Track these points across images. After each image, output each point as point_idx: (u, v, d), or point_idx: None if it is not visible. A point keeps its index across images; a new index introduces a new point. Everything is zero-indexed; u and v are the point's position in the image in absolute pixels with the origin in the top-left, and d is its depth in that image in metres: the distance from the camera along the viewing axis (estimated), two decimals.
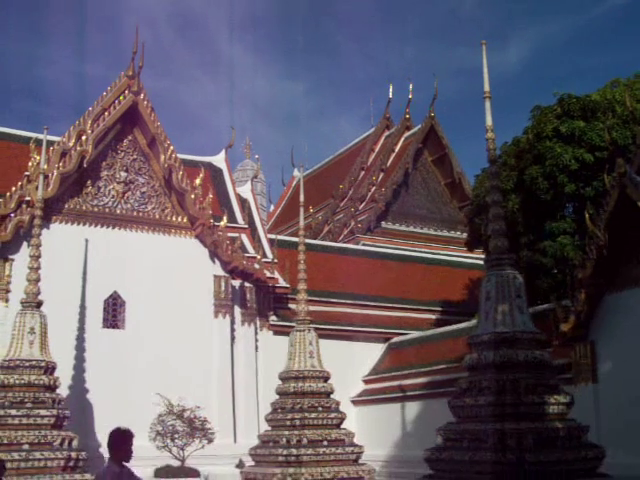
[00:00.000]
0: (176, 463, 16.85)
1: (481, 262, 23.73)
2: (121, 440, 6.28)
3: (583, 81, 64.15)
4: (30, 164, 18.97)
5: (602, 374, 14.83)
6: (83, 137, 19.79)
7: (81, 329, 19.01)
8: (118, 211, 20.69)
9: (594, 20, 71.73)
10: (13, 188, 18.85)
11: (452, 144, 35.48)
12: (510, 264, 9.95)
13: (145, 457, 17.06)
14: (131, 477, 6.35)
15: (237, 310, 21.75)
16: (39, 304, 15.07)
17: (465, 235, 27.11)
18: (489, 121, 10.45)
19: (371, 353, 24.30)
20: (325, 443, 14.98)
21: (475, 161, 70.10)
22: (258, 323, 22.28)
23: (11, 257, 18.67)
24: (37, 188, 16.68)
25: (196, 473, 16.71)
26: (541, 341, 9.74)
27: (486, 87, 10.53)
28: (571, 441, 8.90)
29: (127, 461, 6.26)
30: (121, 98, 20.71)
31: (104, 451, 17.77)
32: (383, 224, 33.09)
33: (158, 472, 16.64)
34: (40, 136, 17.80)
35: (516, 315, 9.58)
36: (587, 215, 15.04)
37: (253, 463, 15.99)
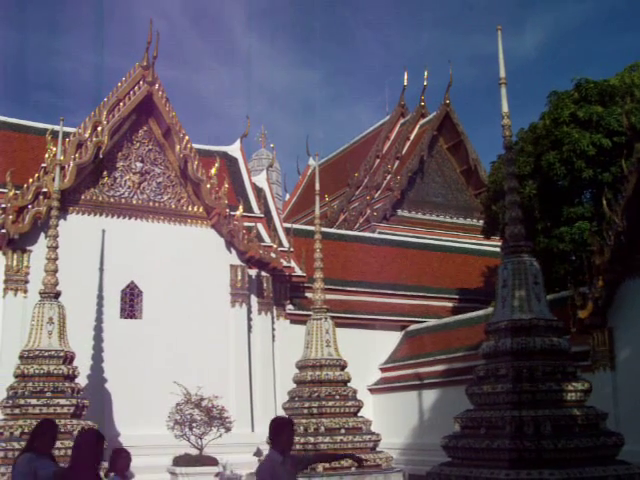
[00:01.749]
0: (194, 452, 16.94)
1: (497, 249, 23.63)
2: (282, 429, 6.18)
3: (601, 66, 63.48)
4: (47, 156, 19.06)
5: (620, 361, 14.75)
6: (99, 128, 19.85)
7: (99, 319, 19.13)
8: (134, 201, 20.76)
9: (612, 3, 70.93)
10: (30, 180, 18.96)
11: (467, 131, 35.31)
12: (527, 251, 9.89)
13: (164, 446, 17.27)
14: (295, 465, 6.22)
15: (254, 299, 21.80)
16: (57, 295, 15.20)
17: (481, 222, 26.99)
18: (505, 107, 10.38)
19: (388, 341, 24.29)
20: (342, 431, 15.03)
21: (491, 148, 69.80)
22: (275, 312, 22.32)
23: (29, 248, 18.80)
24: (54, 179, 16.77)
25: (214, 461, 16.81)
26: (559, 328, 9.69)
27: (502, 73, 10.45)
28: (589, 428, 8.86)
29: (289, 450, 6.14)
30: (136, 89, 20.74)
31: (123, 440, 17.96)
32: (399, 212, 33.00)
33: (177, 461, 16.74)
34: (56, 128, 17.88)
35: (533, 302, 9.53)
36: (605, 201, 14.91)
37: None
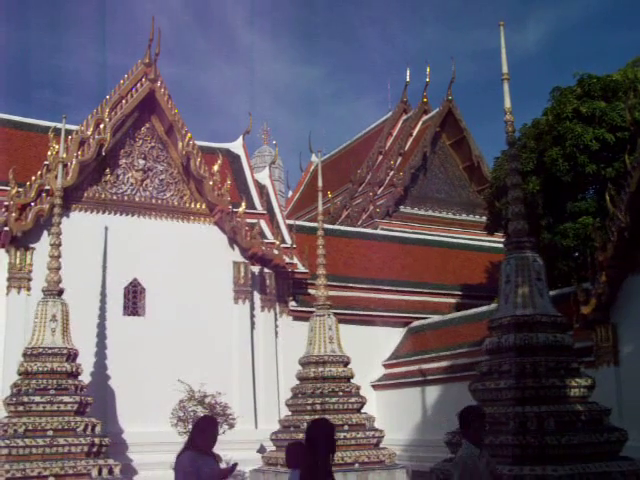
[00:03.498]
0: None
1: (501, 245, 23.58)
2: (477, 419, 5.93)
3: (603, 61, 63.35)
4: (49, 153, 19.05)
5: (624, 357, 14.73)
6: (101, 125, 19.85)
7: (102, 317, 19.14)
8: (137, 199, 20.76)
9: None
10: (33, 177, 18.96)
11: (470, 127, 35.23)
12: (530, 247, 9.89)
13: (167, 442, 17.23)
14: (490, 458, 5.95)
15: (256, 296, 21.80)
16: (60, 292, 15.22)
17: (484, 218, 26.95)
18: (508, 103, 10.37)
19: (391, 337, 24.28)
20: (346, 427, 15.04)
21: (495, 143, 69.61)
22: (278, 309, 22.32)
23: (32, 246, 18.81)
24: (56, 177, 16.79)
25: (218, 458, 16.78)
26: (562, 324, 9.69)
27: (504, 69, 10.44)
28: (593, 424, 8.86)
29: (482, 441, 5.88)
30: (138, 86, 20.73)
31: (126, 436, 18.00)
32: (402, 208, 32.95)
33: None
34: (59, 125, 17.88)
35: (536, 298, 9.53)
36: (608, 196, 14.88)
37: (274, 448, 16.09)
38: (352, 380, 16.11)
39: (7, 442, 13.42)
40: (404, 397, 21.84)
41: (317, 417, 5.67)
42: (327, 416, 14.92)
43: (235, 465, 6.87)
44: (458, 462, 5.80)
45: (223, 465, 6.65)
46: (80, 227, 19.27)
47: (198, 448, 6.19)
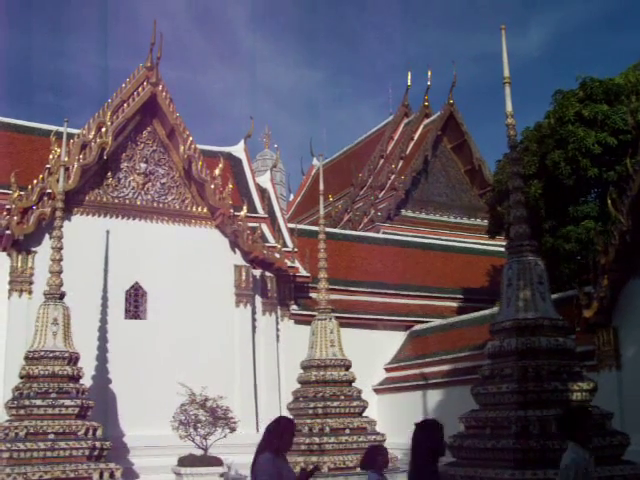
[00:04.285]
0: (199, 452, 16.93)
1: (502, 249, 23.57)
2: (585, 419, 5.78)
3: (606, 64, 63.35)
4: (51, 157, 19.06)
5: (625, 360, 14.70)
6: (103, 129, 19.85)
7: (103, 320, 19.14)
8: (138, 202, 20.75)
9: (616, 2, 70.80)
10: (35, 181, 18.97)
11: (472, 130, 35.26)
12: (531, 250, 9.87)
13: (168, 446, 17.27)
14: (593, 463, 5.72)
15: (258, 300, 21.79)
16: (62, 296, 15.23)
17: (485, 222, 26.93)
18: (509, 107, 10.37)
19: (393, 341, 24.27)
20: (347, 431, 15.03)
21: (496, 147, 69.52)
22: (279, 312, 22.31)
23: (33, 249, 18.82)
24: (58, 180, 16.80)
25: (219, 462, 16.80)
26: (564, 328, 9.67)
27: (506, 72, 10.44)
28: (595, 428, 8.82)
29: (589, 443, 5.70)
30: (140, 90, 20.74)
31: (127, 440, 17.97)
32: (403, 212, 32.97)
33: (181, 461, 16.73)
34: (61, 129, 17.90)
35: (538, 301, 9.51)
36: (609, 200, 14.86)
37: None
38: (353, 384, 16.10)
39: (8, 445, 13.42)
40: (406, 401, 21.81)
41: (425, 419, 5.54)
42: (329, 420, 14.95)
43: (316, 468, 6.73)
44: (571, 466, 5.48)
45: None
46: (82, 231, 19.27)
47: (277, 450, 5.96)
